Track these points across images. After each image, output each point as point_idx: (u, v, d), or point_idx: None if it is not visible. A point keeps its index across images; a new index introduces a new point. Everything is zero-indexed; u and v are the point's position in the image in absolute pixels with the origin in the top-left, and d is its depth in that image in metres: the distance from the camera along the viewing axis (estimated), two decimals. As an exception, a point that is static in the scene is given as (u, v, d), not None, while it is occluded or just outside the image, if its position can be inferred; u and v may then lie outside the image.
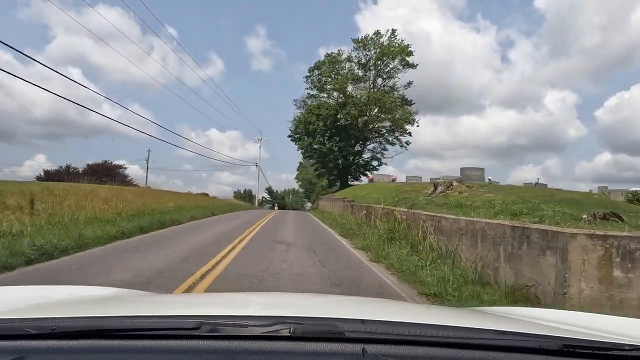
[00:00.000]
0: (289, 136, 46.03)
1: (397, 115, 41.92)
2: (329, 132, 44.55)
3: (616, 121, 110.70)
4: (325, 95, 46.92)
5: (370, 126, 45.00)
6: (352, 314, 1.61)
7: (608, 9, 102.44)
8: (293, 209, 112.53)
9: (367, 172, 47.09)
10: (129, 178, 73.52)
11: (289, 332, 1.08)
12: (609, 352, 1.13)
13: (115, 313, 1.37)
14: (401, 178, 36.07)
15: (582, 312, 2.26)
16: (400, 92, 44.06)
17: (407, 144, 46.73)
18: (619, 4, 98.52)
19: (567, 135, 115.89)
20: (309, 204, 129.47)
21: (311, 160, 60.17)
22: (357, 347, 1.07)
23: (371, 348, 1.06)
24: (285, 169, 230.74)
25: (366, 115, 43.46)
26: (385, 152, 46.85)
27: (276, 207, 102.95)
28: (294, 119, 46.49)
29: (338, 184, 50.08)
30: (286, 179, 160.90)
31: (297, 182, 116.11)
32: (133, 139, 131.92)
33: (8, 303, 1.55)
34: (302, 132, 44.24)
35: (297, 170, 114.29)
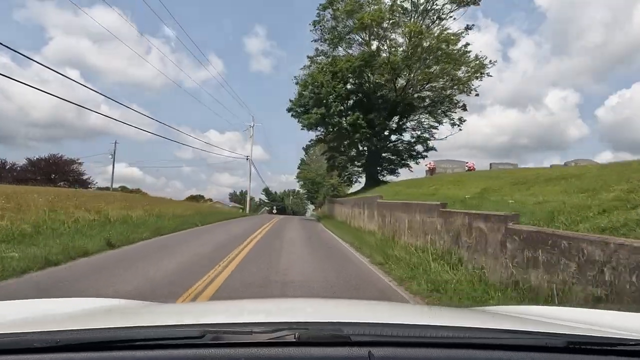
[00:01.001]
0: (289, 110, 30.66)
1: (464, 68, 26.31)
2: (352, 98, 29.21)
3: (617, 120, 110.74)
4: (342, 52, 31.69)
5: (411, 91, 29.58)
6: (357, 317, 1.63)
7: (610, 6, 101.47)
8: (294, 213, 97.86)
9: (408, 163, 31.85)
10: (86, 177, 58.56)
11: (294, 338, 1.07)
12: (614, 348, 1.12)
13: (119, 324, 1.34)
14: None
15: (584, 309, 2.23)
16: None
17: (461, 122, 31.53)
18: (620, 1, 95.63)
19: (569, 135, 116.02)
20: (310, 207, 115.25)
21: (319, 148, 45.24)
22: (363, 351, 1.06)
23: (377, 351, 1.06)
24: (286, 169, 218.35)
25: (406, 74, 28.08)
26: (435, 130, 31.51)
27: (274, 211, 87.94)
28: (297, 83, 31.12)
29: (362, 180, 34.75)
30: (286, 181, 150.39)
31: (298, 181, 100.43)
32: (132, 141, 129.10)
33: (11, 317, 1.53)
34: (309, 102, 28.84)
35: (299, 168, 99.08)
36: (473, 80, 26.58)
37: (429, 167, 22.79)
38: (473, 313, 2.11)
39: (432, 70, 26.58)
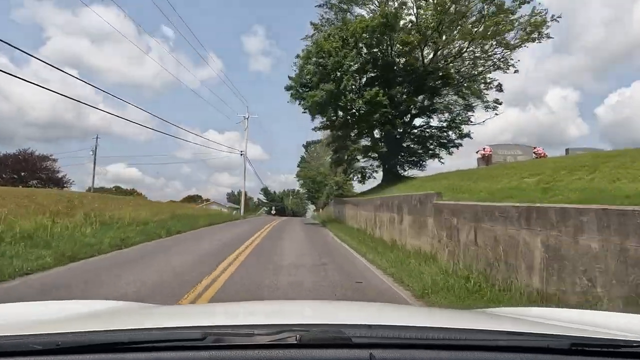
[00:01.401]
0: (289, 88, 24.61)
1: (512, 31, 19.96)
2: (367, 71, 23.24)
3: (617, 118, 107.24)
4: (355, 17, 25.68)
5: (443, 62, 23.58)
6: (358, 319, 1.61)
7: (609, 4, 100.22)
8: (293, 214, 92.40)
9: (438, 152, 25.84)
10: (61, 175, 52.46)
11: (296, 340, 1.06)
12: (618, 350, 1.11)
13: (120, 326, 1.32)
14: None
15: (588, 310, 2.22)
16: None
17: (497, 105, 25.62)
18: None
19: (569, 133, 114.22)
20: (310, 207, 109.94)
21: (323, 142, 39.68)
22: (364, 353, 1.05)
23: (378, 353, 1.05)
24: (285, 169, 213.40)
25: (437, 37, 22.06)
26: (470, 113, 25.52)
27: (273, 212, 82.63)
28: (297, 56, 25.08)
29: (377, 175, 28.81)
30: (286, 181, 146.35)
31: (298, 180, 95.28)
32: (132, 141, 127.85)
33: (11, 319, 1.52)
34: (313, 78, 22.83)
35: (299, 166, 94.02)
36: (528, 42, 20.47)
37: (484, 154, 16.78)
38: (475, 315, 2.01)
39: (474, 30, 20.38)
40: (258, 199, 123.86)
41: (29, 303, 2.01)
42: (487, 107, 25.82)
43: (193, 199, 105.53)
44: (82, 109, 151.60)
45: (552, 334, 1.22)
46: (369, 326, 1.19)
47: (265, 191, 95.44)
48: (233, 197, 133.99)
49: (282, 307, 2.26)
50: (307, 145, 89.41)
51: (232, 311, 1.96)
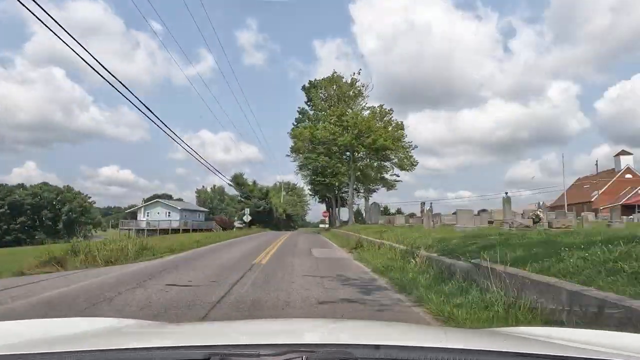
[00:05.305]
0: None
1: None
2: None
3: (618, 112, 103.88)
4: None
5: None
6: (365, 339, 1.58)
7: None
8: (287, 218, 53.38)
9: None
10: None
11: None
12: None
13: (123, 345, 1.28)
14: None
15: (601, 330, 2.08)
16: None
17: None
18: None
19: (569, 127, 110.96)
20: (316, 207, 70.79)
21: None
22: None
23: None
24: (285, 168, 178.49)
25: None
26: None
27: (247, 217, 42.40)
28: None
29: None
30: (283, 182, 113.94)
31: (294, 158, 52.11)
32: (125, 143, 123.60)
33: (12, 337, 1.46)
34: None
35: (295, 124, 53.14)
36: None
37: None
38: (487, 335, 1.89)
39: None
40: (228, 196, 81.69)
41: (33, 320, 1.96)
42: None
43: (160, 197, 74.99)
44: (82, 108, 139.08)
45: (566, 356, 1.16)
46: (377, 346, 1.15)
47: (236, 181, 52.43)
48: (205, 196, 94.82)
49: (288, 326, 2.22)
50: (310, 88, 47.76)
51: (237, 330, 1.93)
